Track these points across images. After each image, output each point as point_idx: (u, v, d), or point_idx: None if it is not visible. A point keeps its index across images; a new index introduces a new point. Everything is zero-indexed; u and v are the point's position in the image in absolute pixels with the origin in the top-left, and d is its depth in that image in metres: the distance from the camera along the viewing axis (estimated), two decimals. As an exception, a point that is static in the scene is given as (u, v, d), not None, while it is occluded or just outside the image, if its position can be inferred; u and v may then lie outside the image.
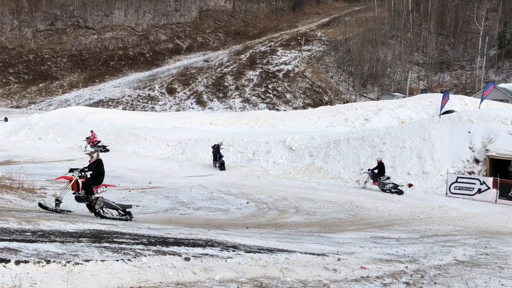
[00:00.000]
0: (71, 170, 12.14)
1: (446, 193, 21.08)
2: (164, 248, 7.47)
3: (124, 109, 72.53)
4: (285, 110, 66.67)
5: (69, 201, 12.90)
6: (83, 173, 12.09)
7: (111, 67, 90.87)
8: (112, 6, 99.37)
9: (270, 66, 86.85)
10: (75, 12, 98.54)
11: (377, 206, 18.32)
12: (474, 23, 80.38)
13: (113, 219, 12.24)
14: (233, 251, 8.07)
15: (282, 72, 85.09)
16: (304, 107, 72.28)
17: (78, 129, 35.86)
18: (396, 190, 21.41)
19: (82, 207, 13.01)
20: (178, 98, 79.88)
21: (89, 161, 12.61)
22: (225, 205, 17.29)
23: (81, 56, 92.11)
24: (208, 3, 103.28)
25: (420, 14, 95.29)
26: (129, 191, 18.89)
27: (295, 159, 26.91)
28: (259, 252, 8.25)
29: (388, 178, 22.07)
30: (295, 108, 72.57)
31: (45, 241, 6.96)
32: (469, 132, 23.64)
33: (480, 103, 32.03)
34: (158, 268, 6.34)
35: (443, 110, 26.91)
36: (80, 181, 12.00)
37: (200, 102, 78.88)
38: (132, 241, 7.96)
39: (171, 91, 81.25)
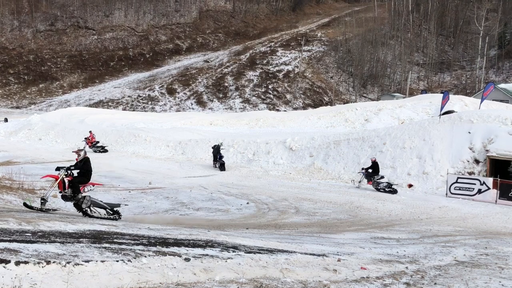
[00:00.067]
0: (58, 169, 11.89)
1: (446, 194, 21.08)
2: (164, 249, 7.47)
3: (124, 109, 72.53)
4: (285, 111, 66.65)
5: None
6: (69, 172, 11.83)
7: (111, 68, 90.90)
8: (112, 6, 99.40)
9: (270, 66, 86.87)
10: (75, 13, 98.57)
11: (377, 207, 18.32)
12: (474, 24, 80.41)
13: (101, 218, 12.01)
14: (233, 251, 8.07)
15: (282, 73, 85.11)
16: (304, 108, 72.29)
17: (78, 130, 35.84)
18: (390, 189, 21.48)
19: (69, 206, 12.88)
20: (178, 98, 79.88)
21: (76, 159, 12.34)
22: (225, 206, 17.28)
23: (81, 57, 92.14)
24: (208, 3, 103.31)
25: (420, 14, 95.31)
26: (129, 192, 18.88)
27: (295, 160, 26.90)
28: (259, 253, 8.25)
29: (382, 177, 22.15)
30: (295, 109, 72.59)
31: (45, 242, 6.95)
32: (469, 132, 23.63)
33: (480, 103, 32.03)
34: (158, 268, 6.34)
35: (443, 111, 26.91)
36: (66, 179, 11.76)
37: (200, 103, 78.89)
38: (132, 241, 7.96)
39: (171, 92, 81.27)
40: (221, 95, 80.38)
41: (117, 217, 12.38)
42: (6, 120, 48.96)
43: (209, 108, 76.86)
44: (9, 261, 5.33)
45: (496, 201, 19.97)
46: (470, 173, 22.13)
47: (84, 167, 12.07)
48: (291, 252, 8.83)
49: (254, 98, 79.37)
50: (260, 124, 40.71)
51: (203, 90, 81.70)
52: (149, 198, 17.99)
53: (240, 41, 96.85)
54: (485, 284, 7.80)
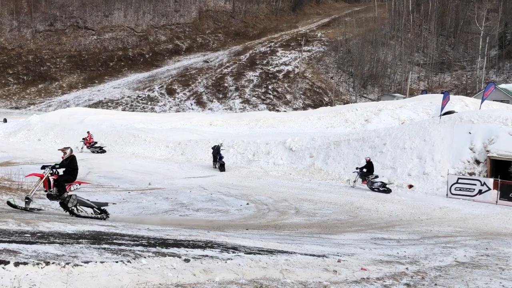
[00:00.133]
0: (43, 167, 11.66)
1: (447, 194, 21.06)
2: (164, 250, 7.44)
3: (123, 110, 72.56)
4: (285, 111, 66.67)
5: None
6: (54, 170, 11.59)
7: (111, 68, 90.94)
8: (112, 6, 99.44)
9: (270, 66, 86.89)
10: (75, 13, 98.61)
11: (377, 207, 18.30)
12: (475, 24, 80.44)
13: (88, 217, 11.76)
14: (233, 252, 8.05)
15: (282, 73, 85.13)
16: (304, 108, 72.32)
17: (78, 130, 35.82)
18: (384, 188, 21.57)
19: (55, 205, 12.76)
20: (178, 99, 79.90)
21: (62, 157, 12.03)
22: (225, 206, 17.25)
23: (80, 57, 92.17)
24: (207, 3, 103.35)
25: (421, 14, 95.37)
26: (129, 192, 18.86)
27: (295, 160, 26.88)
28: (259, 254, 8.22)
29: (377, 176, 22.23)
30: (295, 109, 72.61)
31: (45, 243, 6.93)
32: (469, 133, 23.61)
33: (481, 103, 32.01)
34: (157, 269, 6.32)
35: (444, 111, 26.89)
36: (51, 178, 11.53)
37: (200, 103, 78.91)
38: (132, 242, 7.93)
39: (170, 92, 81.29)
40: (221, 96, 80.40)
41: (105, 217, 12.07)
42: (5, 120, 48.98)
43: (209, 109, 76.88)
44: (8, 262, 5.31)
45: (496, 202, 19.95)
46: (470, 174, 22.11)
47: (70, 165, 11.79)
48: (291, 253, 8.80)
49: (254, 98, 79.39)
50: (260, 124, 40.70)
51: (202, 91, 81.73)
52: (149, 198, 17.95)
53: (240, 41, 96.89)
54: (486, 285, 7.77)
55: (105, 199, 14.97)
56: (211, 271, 6.66)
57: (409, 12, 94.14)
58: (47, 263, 5.56)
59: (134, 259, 6.46)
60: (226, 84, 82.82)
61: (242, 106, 77.31)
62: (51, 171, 11.57)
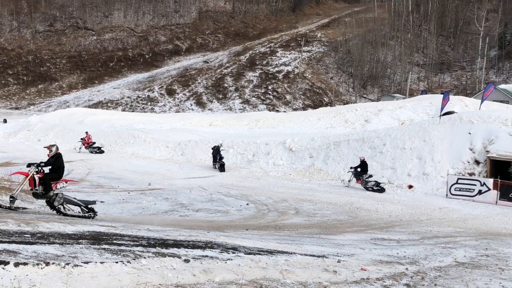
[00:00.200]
0: (29, 165, 11.43)
1: (447, 195, 21.06)
2: (164, 250, 7.44)
3: (123, 110, 72.56)
4: (285, 111, 66.70)
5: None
6: (40, 168, 11.37)
7: (111, 68, 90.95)
8: (112, 7, 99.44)
9: (270, 67, 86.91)
10: (74, 13, 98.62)
11: (377, 208, 18.30)
12: (475, 24, 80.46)
13: (75, 216, 11.58)
14: (233, 253, 8.05)
15: (282, 73, 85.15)
16: (304, 108, 72.34)
17: (78, 131, 35.80)
18: (378, 187, 21.66)
19: (40, 203, 12.65)
20: (178, 99, 79.91)
21: (48, 154, 11.82)
22: (224, 207, 17.25)
23: (80, 57, 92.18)
24: (207, 4, 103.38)
25: (420, 15, 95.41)
26: (129, 193, 18.86)
27: (295, 161, 26.88)
28: (259, 254, 8.22)
29: (371, 176, 22.32)
30: (295, 109, 72.63)
31: (44, 243, 6.93)
32: (469, 133, 23.61)
33: (481, 104, 32.00)
34: (157, 270, 6.32)
35: (444, 111, 26.89)
36: (37, 176, 11.34)
37: (200, 103, 78.92)
38: (132, 243, 7.93)
39: (170, 92, 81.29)
40: (220, 96, 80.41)
41: (92, 215, 11.86)
42: (5, 121, 48.96)
43: (209, 109, 76.90)
44: (8, 263, 5.31)
45: (496, 202, 19.96)
46: (470, 174, 22.11)
47: (56, 163, 11.60)
48: (291, 253, 8.80)
49: (253, 99, 79.40)
50: (259, 125, 40.70)
51: (202, 91, 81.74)
52: (149, 199, 17.95)
53: (239, 41, 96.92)
54: (486, 285, 7.78)
55: (104, 199, 14.97)
56: (211, 272, 6.66)
57: (409, 13, 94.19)
58: (47, 264, 5.56)
59: (134, 259, 6.46)
60: (226, 85, 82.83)
61: (242, 106, 77.32)
62: (37, 169, 11.36)
